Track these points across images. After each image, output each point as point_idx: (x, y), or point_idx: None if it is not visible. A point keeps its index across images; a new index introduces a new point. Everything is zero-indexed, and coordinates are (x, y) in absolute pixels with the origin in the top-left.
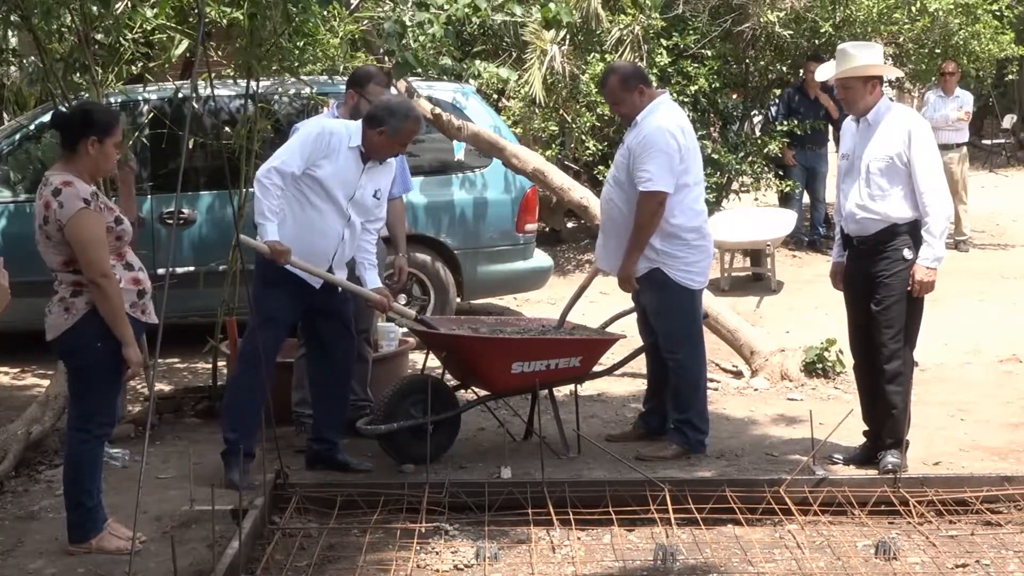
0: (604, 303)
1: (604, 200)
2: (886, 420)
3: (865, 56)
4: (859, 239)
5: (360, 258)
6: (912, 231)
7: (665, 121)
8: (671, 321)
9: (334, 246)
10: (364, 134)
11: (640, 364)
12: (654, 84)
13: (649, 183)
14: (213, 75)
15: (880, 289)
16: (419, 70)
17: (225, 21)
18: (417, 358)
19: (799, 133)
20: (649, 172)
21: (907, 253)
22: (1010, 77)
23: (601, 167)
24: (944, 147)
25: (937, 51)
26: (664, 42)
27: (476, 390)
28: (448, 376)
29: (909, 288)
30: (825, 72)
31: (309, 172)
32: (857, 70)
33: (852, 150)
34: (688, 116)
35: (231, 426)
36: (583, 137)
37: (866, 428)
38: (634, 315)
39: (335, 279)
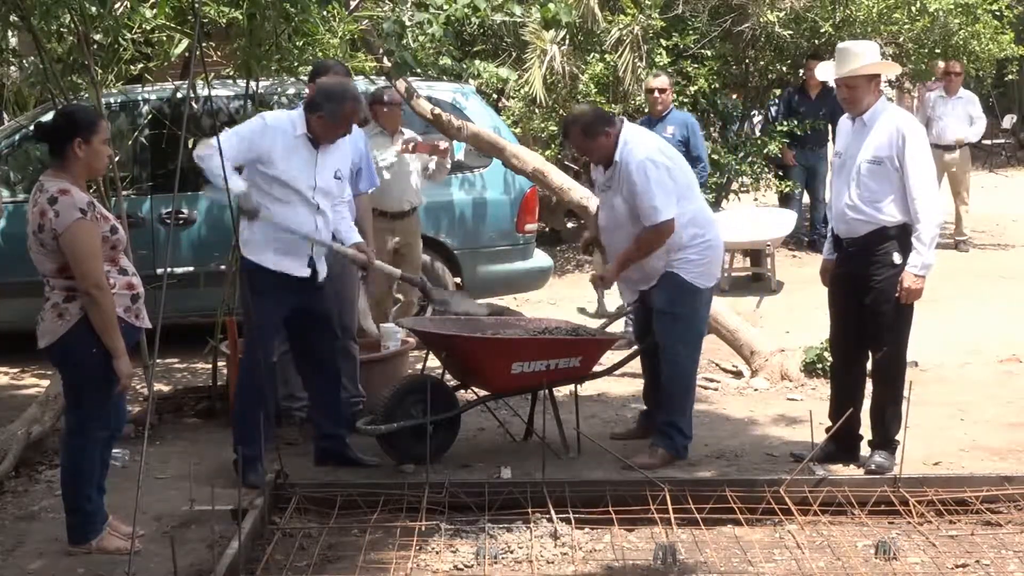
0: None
1: (610, 239)
2: (876, 420)
3: (869, 54)
4: (848, 240)
5: (339, 226)
6: (901, 235)
7: (642, 151)
8: (676, 320)
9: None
10: (307, 120)
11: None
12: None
13: (656, 214)
14: (212, 75)
15: (871, 293)
16: (418, 70)
17: (224, 21)
18: (417, 358)
19: (799, 133)
20: (655, 207)
21: (896, 257)
22: (1010, 77)
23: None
24: (947, 148)
25: (937, 51)
26: (664, 42)
27: (476, 390)
28: (448, 376)
29: (897, 294)
30: (827, 72)
31: (262, 170)
32: (864, 68)
33: (846, 149)
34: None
35: (242, 438)
36: None
37: (828, 426)
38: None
39: (319, 239)
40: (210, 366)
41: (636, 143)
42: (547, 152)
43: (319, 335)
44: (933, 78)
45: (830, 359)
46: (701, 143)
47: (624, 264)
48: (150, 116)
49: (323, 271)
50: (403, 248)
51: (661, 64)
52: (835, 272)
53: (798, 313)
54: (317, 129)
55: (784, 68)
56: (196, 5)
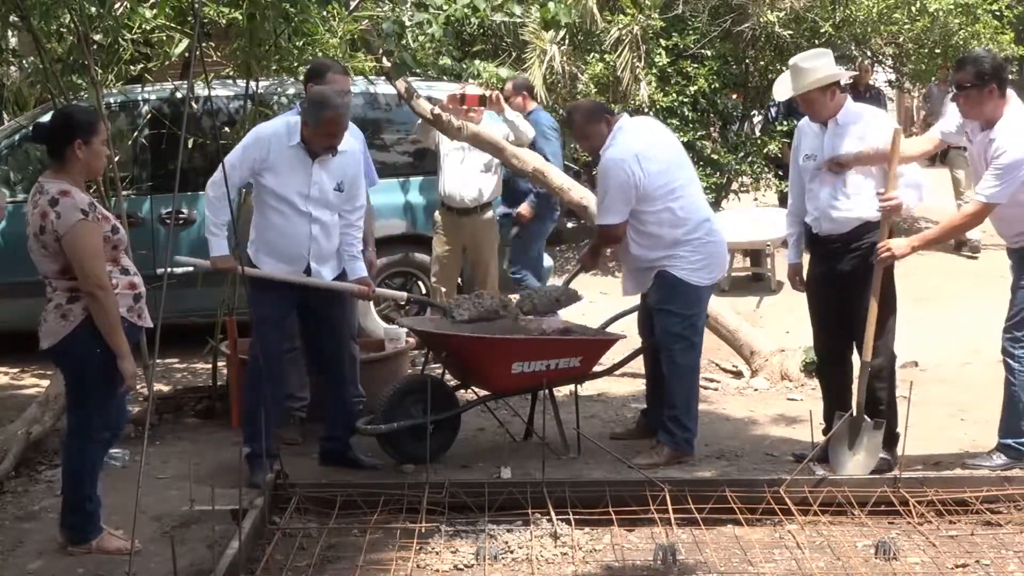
0: (604, 303)
1: None
2: (873, 417)
3: (819, 66)
4: (830, 238)
5: (343, 249)
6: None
7: (619, 151)
8: (671, 317)
9: (305, 245)
10: (300, 130)
11: (640, 364)
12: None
13: (602, 216)
14: (212, 75)
15: (857, 287)
16: (418, 70)
17: (224, 21)
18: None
19: None
20: (603, 205)
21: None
22: (1010, 77)
23: None
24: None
25: (937, 51)
26: (663, 42)
27: (476, 390)
28: (448, 376)
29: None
30: (783, 91)
31: (259, 180)
32: (816, 83)
33: (820, 150)
34: (688, 116)
35: (251, 435)
36: None
37: (826, 427)
38: (634, 315)
39: (308, 280)
40: (210, 366)
41: (619, 141)
42: None
43: (325, 337)
44: (933, 79)
45: None
46: (548, 147)
47: (596, 253)
48: (150, 116)
49: (327, 275)
50: (471, 249)
51: (660, 64)
52: (814, 272)
53: (798, 313)
54: (304, 136)
55: (784, 68)
56: (196, 5)
